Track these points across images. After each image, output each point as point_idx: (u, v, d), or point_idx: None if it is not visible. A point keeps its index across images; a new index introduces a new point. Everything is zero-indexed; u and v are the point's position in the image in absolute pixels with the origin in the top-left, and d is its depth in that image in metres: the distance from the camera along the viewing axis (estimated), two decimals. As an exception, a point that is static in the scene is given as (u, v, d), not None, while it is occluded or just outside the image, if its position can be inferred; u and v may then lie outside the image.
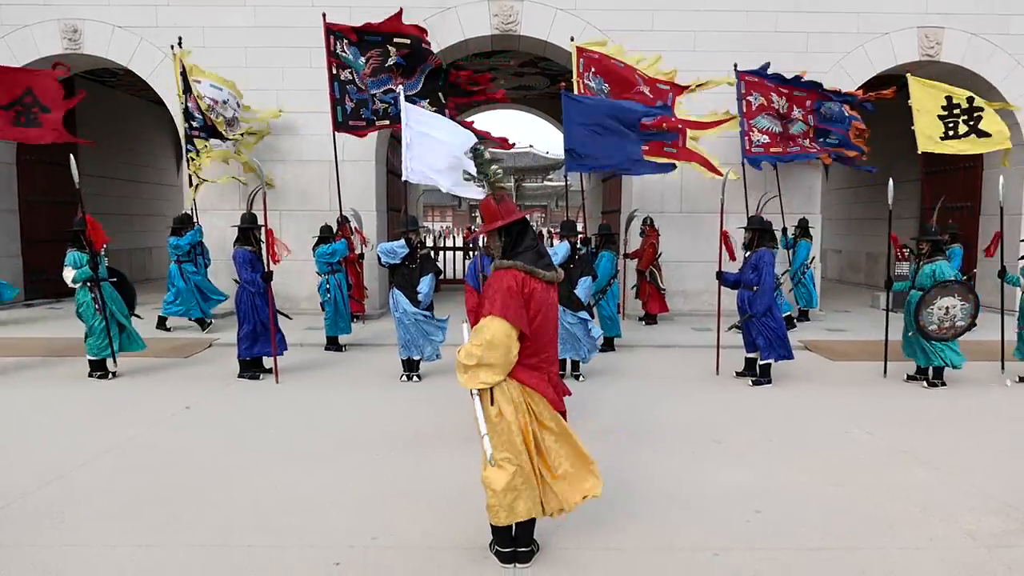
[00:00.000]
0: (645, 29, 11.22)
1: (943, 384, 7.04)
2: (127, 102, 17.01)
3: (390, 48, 9.12)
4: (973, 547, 3.59)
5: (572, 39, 9.67)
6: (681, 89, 9.57)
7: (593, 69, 9.36)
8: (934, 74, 12.50)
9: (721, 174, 9.36)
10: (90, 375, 7.25)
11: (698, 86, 9.65)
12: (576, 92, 9.23)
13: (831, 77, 11.47)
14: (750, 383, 7.14)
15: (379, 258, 7.22)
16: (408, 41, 9.14)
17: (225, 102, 10.30)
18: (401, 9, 9.15)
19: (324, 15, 9.06)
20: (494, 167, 3.57)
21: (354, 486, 4.35)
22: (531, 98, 18.22)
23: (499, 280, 3.22)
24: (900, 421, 5.86)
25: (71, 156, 7.23)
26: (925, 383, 7.09)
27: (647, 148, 9.08)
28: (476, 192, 8.60)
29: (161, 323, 9.93)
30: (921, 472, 4.66)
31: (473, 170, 8.51)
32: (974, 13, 11.47)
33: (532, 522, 3.39)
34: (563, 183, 10.74)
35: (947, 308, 6.81)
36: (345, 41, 9.05)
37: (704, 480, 4.48)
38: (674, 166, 9.43)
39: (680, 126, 9.33)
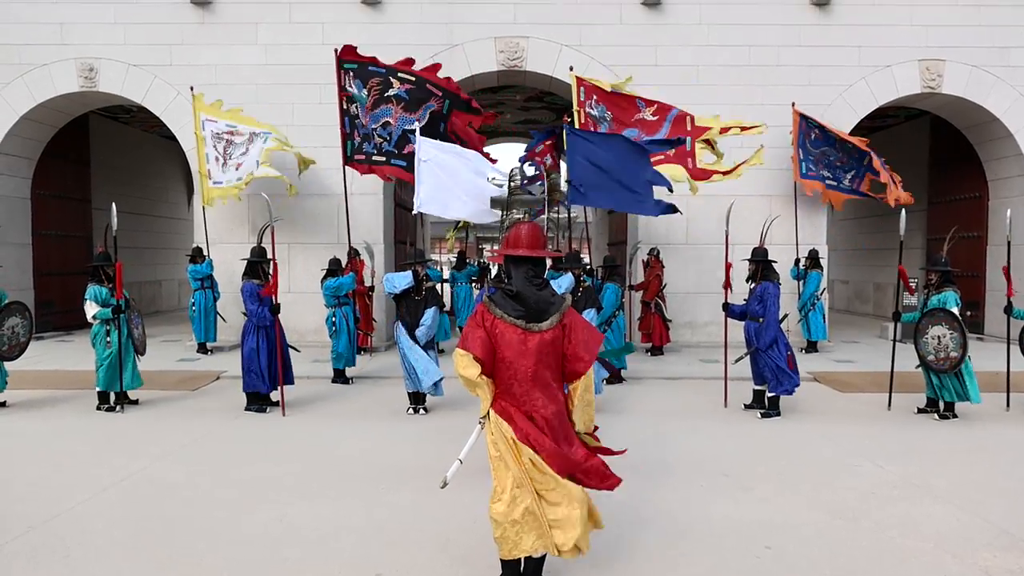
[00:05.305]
0: (648, 64, 11.41)
1: (954, 416, 6.97)
2: (140, 137, 17.33)
3: (392, 80, 9.22)
4: (989, 584, 3.52)
5: (571, 68, 9.80)
6: (704, 129, 9.66)
7: (595, 97, 9.46)
8: (936, 106, 12.64)
9: (729, 172, 9.51)
10: (98, 408, 7.27)
11: (723, 130, 9.72)
12: (578, 121, 9.32)
13: (834, 109, 11.60)
14: (759, 415, 7.08)
15: (384, 287, 7.28)
16: (413, 79, 9.29)
17: (236, 130, 10.43)
18: (439, 65, 9.57)
19: (336, 51, 9.19)
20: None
21: (359, 520, 4.32)
22: (537, 132, 18.42)
23: None
24: (911, 454, 5.79)
25: (112, 204, 7.56)
26: (936, 415, 7.01)
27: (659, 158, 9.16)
28: (494, 216, 8.65)
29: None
30: (934, 506, 4.60)
31: (492, 194, 8.55)
32: (975, 46, 11.59)
33: (542, 557, 3.35)
34: (569, 215, 10.77)
35: (939, 337, 6.78)
36: (352, 73, 9.15)
37: (713, 514, 4.43)
38: (677, 210, 9.45)
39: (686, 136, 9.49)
